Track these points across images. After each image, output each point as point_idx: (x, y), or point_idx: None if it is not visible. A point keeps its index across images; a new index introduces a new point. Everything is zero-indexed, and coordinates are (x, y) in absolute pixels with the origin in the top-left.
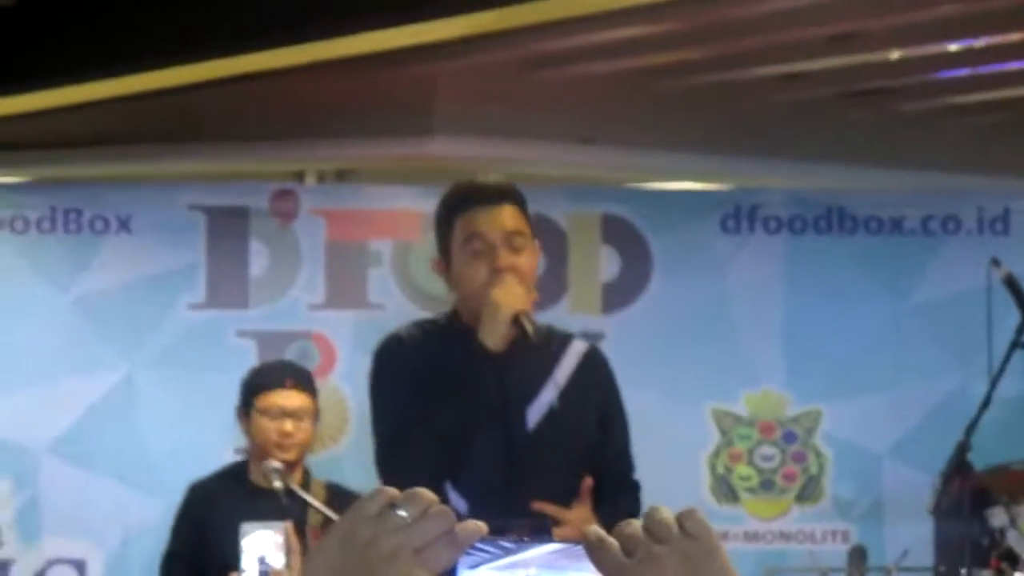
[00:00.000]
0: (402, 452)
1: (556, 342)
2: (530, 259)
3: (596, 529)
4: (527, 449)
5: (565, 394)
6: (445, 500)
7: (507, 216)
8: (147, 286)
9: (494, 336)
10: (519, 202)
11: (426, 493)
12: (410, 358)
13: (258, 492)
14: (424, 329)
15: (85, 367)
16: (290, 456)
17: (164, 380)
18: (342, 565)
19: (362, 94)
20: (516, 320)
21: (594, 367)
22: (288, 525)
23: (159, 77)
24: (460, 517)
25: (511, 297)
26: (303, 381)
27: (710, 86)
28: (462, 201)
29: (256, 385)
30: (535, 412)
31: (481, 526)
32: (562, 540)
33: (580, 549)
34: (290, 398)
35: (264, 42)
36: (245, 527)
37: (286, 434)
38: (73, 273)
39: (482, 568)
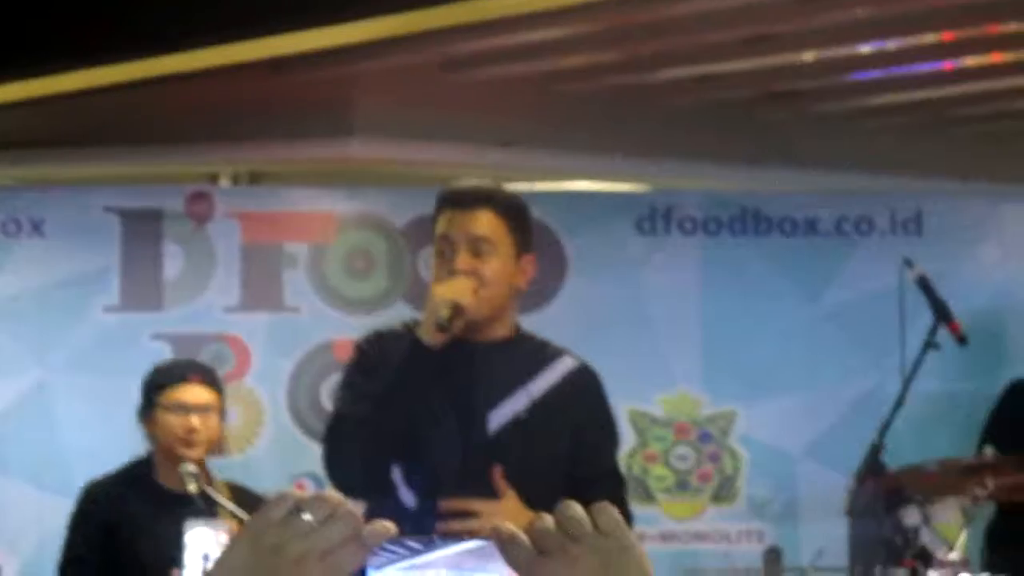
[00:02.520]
0: (342, 435)
1: (542, 354)
2: (499, 266)
3: (507, 525)
4: (485, 453)
5: (538, 406)
6: (392, 491)
7: (478, 221)
8: (61, 289)
9: (426, 327)
10: (502, 209)
11: (332, 496)
12: (374, 351)
13: (166, 493)
14: (406, 325)
15: None
16: (197, 452)
17: (78, 384)
18: (249, 569)
19: (281, 96)
20: (454, 314)
21: (577, 385)
22: (233, 523)
23: (73, 79)
24: (401, 512)
25: (449, 290)
26: (208, 376)
27: (626, 88)
28: (440, 204)
29: (158, 383)
30: (498, 417)
31: (389, 527)
32: (478, 537)
33: (491, 548)
34: (195, 393)
35: (182, 43)
36: (188, 523)
37: (192, 430)
38: None
39: (389, 569)
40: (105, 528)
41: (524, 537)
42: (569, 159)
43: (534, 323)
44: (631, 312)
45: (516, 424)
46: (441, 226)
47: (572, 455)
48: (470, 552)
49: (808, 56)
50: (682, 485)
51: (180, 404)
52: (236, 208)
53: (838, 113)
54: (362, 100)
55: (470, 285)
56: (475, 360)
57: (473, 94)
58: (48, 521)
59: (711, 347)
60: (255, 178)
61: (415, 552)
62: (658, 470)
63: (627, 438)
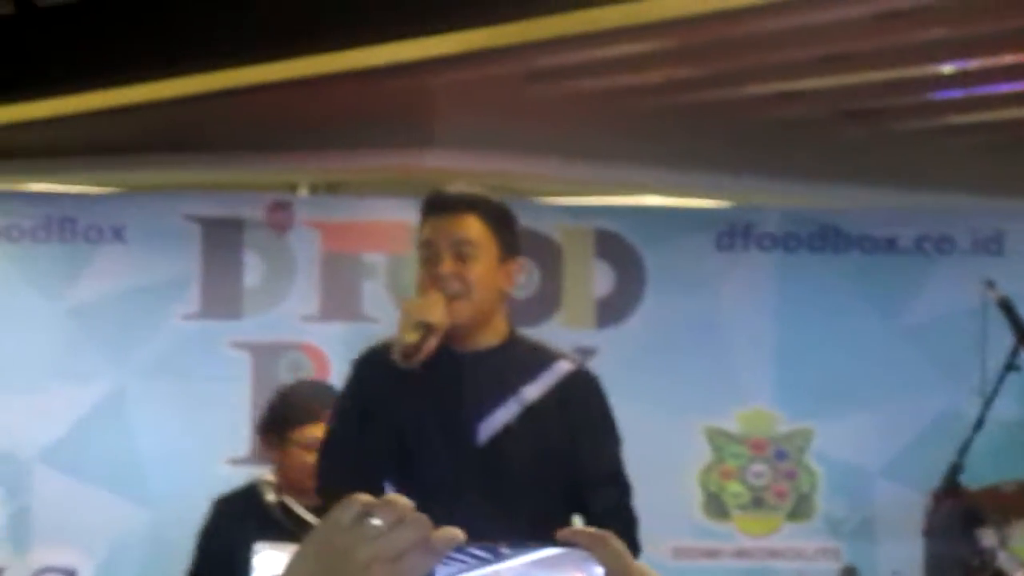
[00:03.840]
0: (332, 452)
1: (537, 359)
2: (484, 270)
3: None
4: (476, 464)
5: (531, 413)
6: None
7: (462, 225)
8: (141, 296)
9: (397, 345)
10: (485, 213)
11: (401, 500)
12: (364, 368)
13: (289, 514)
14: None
15: (78, 376)
16: None
17: (156, 390)
18: (317, 574)
19: (361, 106)
20: (423, 335)
21: (574, 389)
22: None
23: (157, 88)
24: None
25: (417, 309)
26: None
27: (705, 103)
28: (425, 210)
29: (293, 418)
30: (488, 428)
31: (458, 533)
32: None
33: (560, 557)
34: None
35: (264, 55)
36: (257, 546)
37: None
38: (67, 282)
39: None
40: (227, 545)
41: (618, 542)
42: (649, 174)
43: (613, 337)
44: (708, 327)
45: (507, 432)
46: (425, 232)
47: (572, 460)
48: (538, 561)
49: (888, 74)
50: (758, 502)
51: (317, 442)
52: (316, 217)
53: (918, 131)
54: (442, 111)
55: (440, 299)
56: (461, 371)
57: (553, 107)
58: (123, 526)
59: (788, 364)
60: (332, 188)
61: (482, 560)
62: (734, 487)
63: (703, 454)
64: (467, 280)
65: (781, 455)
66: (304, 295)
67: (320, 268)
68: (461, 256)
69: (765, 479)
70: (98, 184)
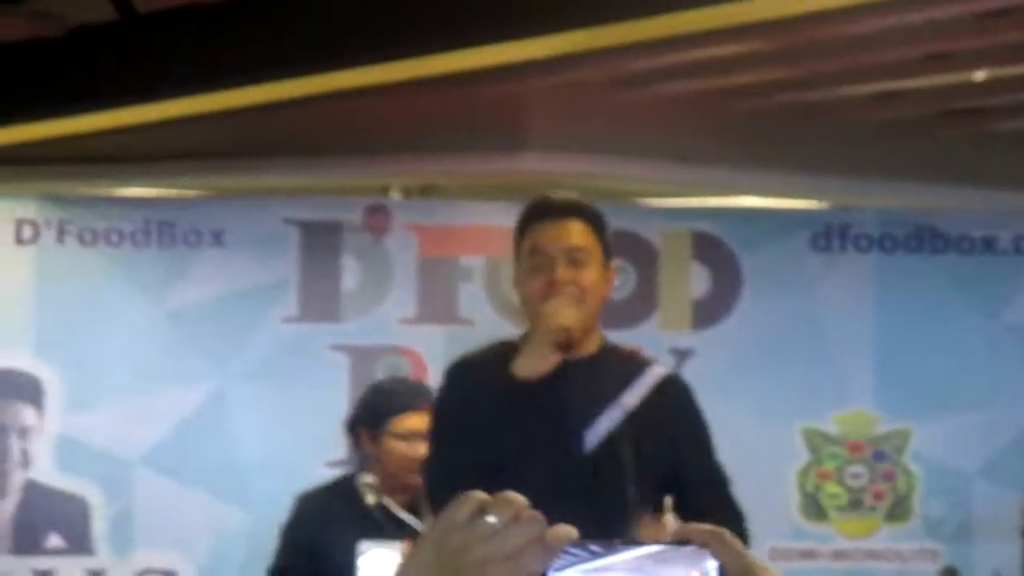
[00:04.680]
0: (442, 472)
1: (631, 366)
2: (595, 276)
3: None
4: (583, 473)
5: (632, 419)
6: None
7: (571, 231)
8: (240, 299)
9: (533, 359)
10: (590, 219)
11: (516, 498)
12: (463, 379)
13: (372, 513)
14: (494, 351)
15: (179, 379)
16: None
17: (256, 393)
18: (433, 571)
19: (455, 110)
20: (562, 338)
21: (669, 393)
22: (407, 544)
23: (255, 92)
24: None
25: (554, 315)
26: (432, 401)
27: (802, 105)
28: (530, 216)
29: (390, 407)
30: (593, 435)
31: (571, 531)
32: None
33: (672, 553)
34: (425, 421)
35: (359, 59)
36: (362, 545)
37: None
38: (167, 286)
39: (570, 571)
40: (314, 541)
41: (733, 538)
42: (744, 175)
43: (710, 339)
44: (805, 329)
45: (611, 439)
46: (532, 239)
47: (673, 462)
48: (650, 556)
49: (987, 74)
50: (856, 503)
51: (414, 432)
52: (413, 221)
53: (1017, 131)
54: (536, 115)
55: (568, 303)
56: (566, 381)
57: (647, 110)
58: (223, 529)
59: (885, 364)
60: (426, 191)
61: (595, 555)
62: (832, 488)
63: (801, 455)
64: (582, 286)
65: (879, 456)
66: (401, 298)
67: (417, 271)
68: (574, 262)
69: (863, 480)
70: (197, 188)
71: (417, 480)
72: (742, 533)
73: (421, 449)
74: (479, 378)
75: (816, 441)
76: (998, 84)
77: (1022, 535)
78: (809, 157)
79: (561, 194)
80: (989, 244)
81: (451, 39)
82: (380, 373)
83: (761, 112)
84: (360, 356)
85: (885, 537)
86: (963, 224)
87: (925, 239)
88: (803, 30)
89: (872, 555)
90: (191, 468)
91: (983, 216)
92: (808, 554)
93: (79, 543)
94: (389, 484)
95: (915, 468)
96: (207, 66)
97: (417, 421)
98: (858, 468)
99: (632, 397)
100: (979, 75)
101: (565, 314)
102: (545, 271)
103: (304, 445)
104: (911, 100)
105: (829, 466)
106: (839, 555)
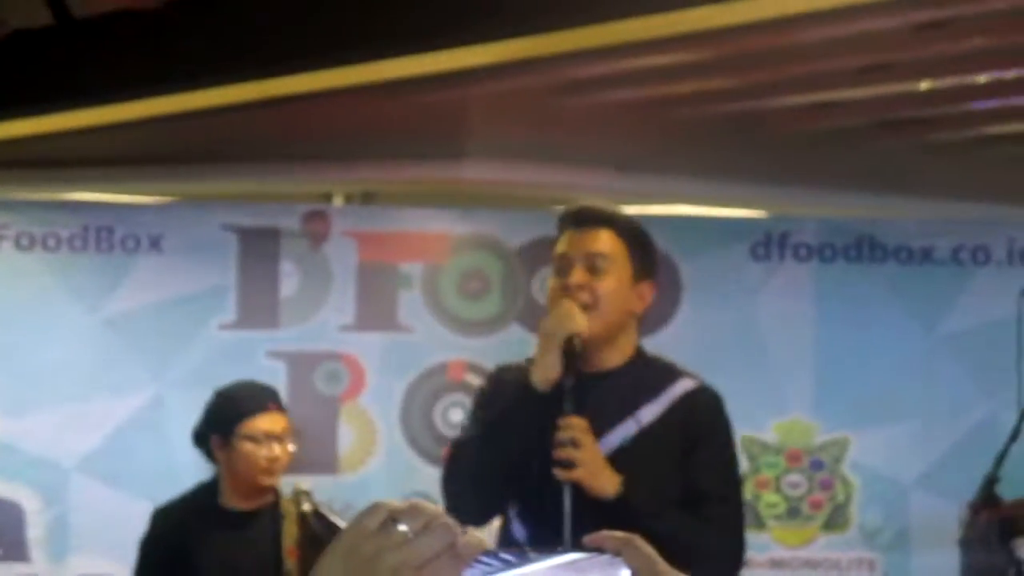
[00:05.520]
0: (459, 465)
1: (659, 379)
2: (614, 285)
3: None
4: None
5: (645, 434)
6: (509, 525)
7: (596, 238)
8: (178, 306)
9: (542, 366)
10: (622, 231)
11: (427, 506)
12: (492, 386)
13: (234, 515)
14: (529, 361)
15: (115, 386)
16: (277, 480)
17: (194, 400)
18: None
19: (395, 118)
20: (569, 344)
21: (692, 408)
22: None
23: (193, 98)
24: (512, 544)
25: (560, 321)
26: (281, 403)
27: (741, 114)
28: (563, 224)
29: (240, 412)
30: (604, 448)
31: (483, 540)
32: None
33: (586, 562)
34: (275, 421)
35: (300, 66)
36: None
37: (275, 459)
38: (104, 292)
39: None
40: (175, 552)
41: (648, 547)
42: (683, 184)
43: (649, 347)
44: (745, 338)
45: (621, 453)
46: (560, 245)
47: (684, 477)
48: (566, 565)
49: (926, 84)
50: (793, 512)
51: (265, 434)
52: (352, 227)
53: (955, 142)
54: (476, 122)
55: (575, 307)
56: (581, 393)
57: (587, 118)
58: None
59: (824, 374)
60: (367, 198)
61: (509, 565)
62: (769, 497)
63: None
64: (596, 292)
65: (817, 465)
66: (341, 305)
67: (357, 278)
68: (592, 269)
69: (801, 489)
70: (135, 194)
71: (269, 482)
72: (733, 552)
73: (274, 449)
74: (506, 385)
75: (754, 450)
76: (936, 95)
77: (960, 545)
78: (749, 166)
79: (598, 203)
80: (927, 254)
81: (392, 46)
82: (319, 379)
83: (701, 121)
84: (299, 363)
85: (823, 546)
86: (902, 234)
87: (864, 249)
88: (743, 40)
89: (810, 564)
90: (128, 475)
91: (922, 226)
92: (745, 563)
93: (14, 549)
94: (241, 488)
95: (853, 477)
96: (145, 71)
97: (267, 422)
98: (796, 477)
99: (650, 412)
100: (920, 85)
101: (571, 317)
102: (562, 275)
103: None
104: (850, 110)
105: (767, 475)
106: (776, 564)
